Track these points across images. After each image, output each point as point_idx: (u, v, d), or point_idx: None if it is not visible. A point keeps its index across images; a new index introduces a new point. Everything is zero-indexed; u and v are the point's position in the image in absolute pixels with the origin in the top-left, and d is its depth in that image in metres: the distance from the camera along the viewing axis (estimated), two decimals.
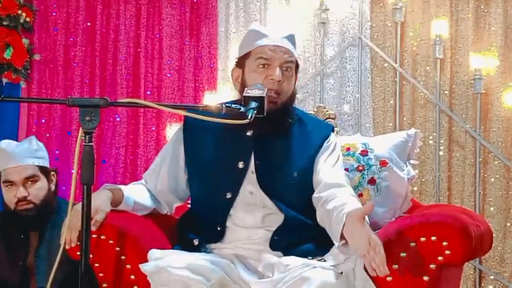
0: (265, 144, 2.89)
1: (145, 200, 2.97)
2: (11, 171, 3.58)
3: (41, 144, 3.70)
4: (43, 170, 3.63)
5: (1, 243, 3.66)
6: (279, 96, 2.87)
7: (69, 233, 2.69)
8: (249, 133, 2.90)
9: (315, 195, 2.85)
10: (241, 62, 2.97)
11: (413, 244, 2.53)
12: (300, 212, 2.82)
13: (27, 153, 3.59)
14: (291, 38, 2.98)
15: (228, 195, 2.85)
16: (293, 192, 2.85)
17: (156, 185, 3.01)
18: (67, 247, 2.70)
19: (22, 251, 3.64)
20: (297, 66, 2.99)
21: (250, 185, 2.86)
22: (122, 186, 2.93)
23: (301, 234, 2.78)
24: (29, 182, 3.58)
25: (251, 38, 2.97)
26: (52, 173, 3.72)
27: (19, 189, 3.56)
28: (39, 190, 3.60)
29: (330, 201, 2.74)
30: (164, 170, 3.02)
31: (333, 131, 3.06)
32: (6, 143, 3.65)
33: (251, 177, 2.87)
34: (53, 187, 3.70)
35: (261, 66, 2.89)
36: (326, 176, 2.86)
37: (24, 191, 3.56)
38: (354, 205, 2.64)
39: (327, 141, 2.96)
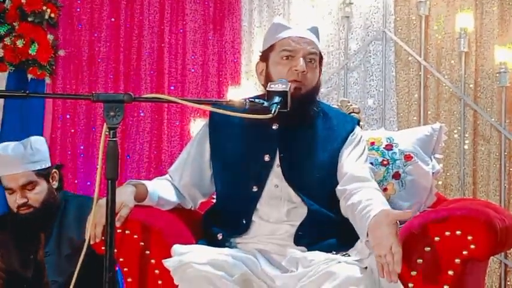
0: (290, 138, 2.89)
1: (170, 195, 2.97)
2: (8, 178, 3.59)
3: (37, 146, 3.64)
4: (41, 173, 3.63)
5: (12, 242, 3.69)
6: (304, 86, 2.87)
7: (93, 228, 2.70)
8: (274, 126, 2.90)
9: (339, 187, 2.85)
10: (265, 56, 2.97)
11: (437, 238, 2.52)
12: (323, 205, 2.82)
13: (23, 160, 3.57)
14: (314, 30, 2.98)
15: (255, 189, 2.85)
16: (317, 186, 2.85)
17: (180, 179, 3.01)
18: (91, 242, 2.71)
19: (32, 247, 3.67)
20: (321, 58, 2.99)
21: (276, 179, 2.86)
22: (146, 182, 2.94)
23: (325, 228, 2.77)
24: (28, 188, 3.59)
25: (274, 31, 2.97)
26: (54, 171, 3.71)
27: (17, 196, 3.58)
28: (38, 194, 3.61)
29: (354, 194, 2.74)
30: (189, 164, 3.02)
31: (358, 124, 3.05)
32: (3, 147, 3.61)
33: (276, 170, 2.87)
34: (55, 184, 3.70)
35: (284, 58, 2.89)
36: (350, 169, 2.86)
37: (23, 197, 3.58)
38: (379, 201, 2.64)
39: (351, 134, 2.95)
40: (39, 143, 3.66)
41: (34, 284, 3.68)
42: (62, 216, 3.62)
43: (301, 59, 2.86)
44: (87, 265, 2.60)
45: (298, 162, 2.87)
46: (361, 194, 2.72)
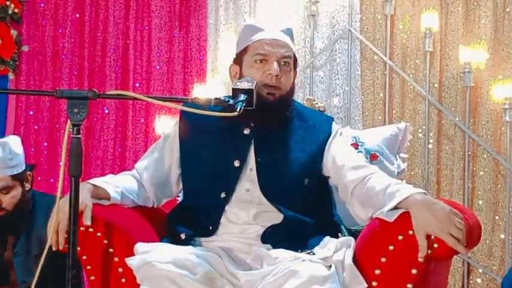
0: (265, 141, 2.86)
1: (134, 194, 2.93)
2: None
3: (15, 150, 3.59)
4: (17, 176, 3.58)
5: None
6: (278, 91, 2.84)
7: (55, 234, 2.67)
8: (246, 131, 2.87)
9: (343, 181, 2.83)
10: (238, 58, 2.94)
11: (401, 237, 2.53)
12: (298, 210, 2.79)
13: (1, 164, 3.52)
14: (288, 32, 2.95)
15: (223, 195, 2.82)
16: (294, 191, 2.82)
17: (148, 178, 2.97)
18: (54, 248, 2.68)
19: None
20: (296, 60, 2.96)
21: (247, 182, 2.83)
22: (109, 180, 2.88)
23: (296, 231, 2.76)
24: (3, 192, 3.55)
25: (247, 33, 2.93)
26: (28, 173, 3.66)
27: None
28: (12, 198, 3.57)
29: (370, 179, 2.75)
30: (157, 164, 2.98)
31: (332, 120, 3.03)
32: None
33: (249, 174, 2.84)
34: (28, 186, 3.66)
35: (258, 61, 2.86)
36: (347, 160, 2.85)
37: None
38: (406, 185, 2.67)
39: (331, 133, 2.93)
40: (17, 147, 3.60)
41: (0, 283, 3.63)
42: (31, 216, 3.59)
43: (275, 62, 2.83)
44: (53, 264, 2.57)
45: (274, 168, 2.84)
46: (379, 178, 2.74)
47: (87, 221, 2.65)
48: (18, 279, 3.57)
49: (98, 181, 2.83)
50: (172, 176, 3.00)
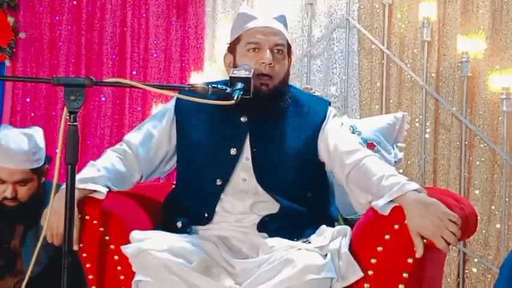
0: (260, 130, 2.86)
1: (121, 182, 2.90)
2: (3, 170, 3.48)
3: (40, 144, 3.56)
4: (37, 170, 3.56)
5: None
6: (272, 79, 2.84)
7: (52, 236, 2.67)
8: (243, 119, 2.86)
9: (337, 165, 2.83)
10: (232, 47, 2.93)
11: (397, 226, 2.53)
12: (294, 199, 2.79)
13: (25, 157, 3.48)
14: (281, 19, 2.94)
15: (218, 182, 2.82)
16: (290, 180, 2.82)
17: (137, 150, 2.93)
18: (49, 241, 2.69)
19: (7, 235, 3.61)
20: (290, 48, 2.96)
21: (243, 172, 2.83)
22: (94, 174, 2.80)
23: (292, 221, 2.76)
24: (21, 184, 3.53)
25: (240, 22, 2.93)
26: (46, 166, 3.65)
27: (8, 189, 3.49)
28: (29, 190, 3.54)
29: (365, 163, 2.75)
30: (153, 142, 2.96)
31: (329, 105, 3.01)
32: (6, 138, 3.50)
33: (245, 163, 2.84)
34: (43, 179, 3.64)
35: (251, 50, 2.85)
36: (340, 144, 2.84)
37: (13, 191, 3.51)
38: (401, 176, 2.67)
39: (326, 118, 2.92)
40: (40, 140, 3.57)
41: (5, 271, 3.62)
42: (42, 207, 3.58)
43: (268, 51, 2.83)
44: (59, 255, 2.56)
45: (270, 157, 2.83)
46: (373, 163, 2.74)
47: (75, 246, 2.64)
48: (24, 269, 3.55)
49: (83, 183, 2.73)
50: (160, 154, 2.97)
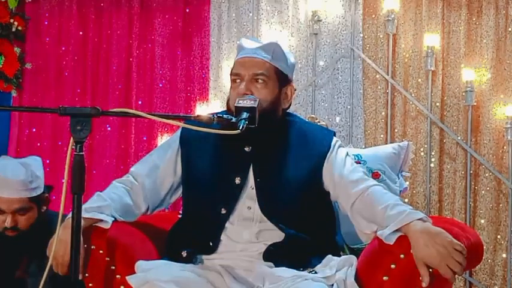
0: (264, 160, 2.86)
1: (127, 214, 2.91)
2: (1, 200, 3.50)
3: (37, 173, 3.56)
4: (35, 198, 3.56)
5: None
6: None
7: (57, 265, 2.67)
8: (247, 148, 2.87)
9: (342, 195, 2.84)
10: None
11: (402, 255, 2.53)
12: (299, 228, 2.79)
13: (21, 186, 3.48)
14: (267, 47, 2.91)
15: (223, 211, 2.82)
16: (294, 209, 2.81)
17: (143, 183, 2.94)
18: (55, 270, 2.69)
19: (11, 266, 3.60)
20: (282, 74, 2.91)
21: (248, 200, 2.83)
22: (101, 204, 2.81)
23: (298, 249, 2.76)
24: (20, 213, 3.53)
25: (237, 53, 2.98)
26: (46, 195, 3.65)
27: (8, 219, 3.50)
28: (28, 220, 3.54)
29: (369, 193, 2.76)
30: (155, 170, 2.97)
31: (334, 135, 3.01)
32: (3, 168, 3.51)
33: (250, 192, 2.83)
34: (44, 208, 3.64)
35: (234, 81, 2.89)
36: (344, 174, 2.85)
37: (13, 221, 3.51)
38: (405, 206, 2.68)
39: (331, 148, 2.92)
40: (38, 169, 3.57)
41: None
42: (46, 237, 3.57)
43: (243, 83, 2.83)
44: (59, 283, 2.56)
45: (273, 187, 2.83)
46: (378, 193, 2.75)
47: (80, 276, 2.63)
48: None
49: (89, 213, 2.73)
50: (166, 185, 2.98)
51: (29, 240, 3.53)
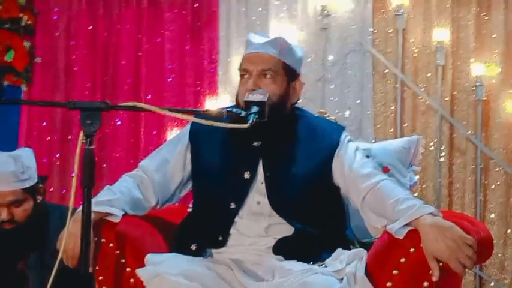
0: (273, 155, 2.86)
1: (137, 207, 2.91)
2: None
3: (28, 164, 3.53)
4: (29, 189, 3.57)
5: None
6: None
7: (67, 258, 2.67)
8: (256, 143, 2.87)
9: (352, 190, 2.85)
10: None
11: (412, 249, 2.53)
12: (309, 222, 2.79)
13: (13, 178, 3.46)
14: (274, 42, 2.92)
15: (233, 205, 2.83)
16: (304, 203, 2.82)
17: (153, 177, 2.95)
18: (66, 263, 2.69)
19: (11, 259, 3.61)
20: (290, 69, 2.93)
21: (258, 195, 2.84)
22: (111, 197, 2.81)
23: (308, 243, 2.76)
24: (15, 205, 3.53)
25: (245, 48, 2.98)
26: (40, 185, 3.65)
27: (3, 212, 3.50)
28: (24, 211, 3.54)
29: (380, 188, 2.77)
30: (164, 164, 2.98)
31: (344, 130, 3.01)
32: None
33: (260, 187, 2.84)
34: (40, 199, 3.64)
35: (243, 77, 2.90)
36: (354, 169, 2.85)
37: (9, 214, 3.51)
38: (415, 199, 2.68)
39: (340, 143, 2.91)
40: (29, 160, 3.57)
41: None
42: (44, 229, 3.58)
43: (252, 79, 2.84)
44: (66, 278, 2.57)
45: (282, 182, 2.83)
46: (388, 188, 2.75)
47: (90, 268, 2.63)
48: None
49: (99, 206, 2.74)
50: (176, 179, 2.99)
51: (26, 232, 3.54)
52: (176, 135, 3.11)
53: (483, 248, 2.66)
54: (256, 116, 2.59)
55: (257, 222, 2.80)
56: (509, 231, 5.21)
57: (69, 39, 5.78)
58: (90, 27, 5.79)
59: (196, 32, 5.76)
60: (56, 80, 5.75)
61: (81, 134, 2.42)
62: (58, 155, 5.64)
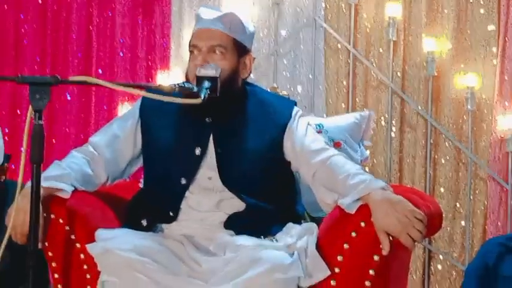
0: (224, 131, 2.86)
1: (86, 183, 2.88)
2: None
3: None
4: None
5: None
6: None
7: (16, 234, 2.64)
8: (207, 119, 2.86)
9: (303, 165, 2.85)
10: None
11: (363, 224, 2.55)
12: (261, 198, 2.80)
13: None
14: (224, 18, 2.88)
15: (183, 181, 2.83)
16: (255, 179, 2.83)
17: (103, 153, 2.92)
18: (14, 239, 2.66)
19: None
20: (241, 45, 2.91)
21: (209, 171, 2.83)
22: (58, 173, 2.77)
23: (259, 218, 2.77)
24: None
25: (195, 23, 2.96)
26: (6, 165, 3.60)
27: None
28: None
29: (331, 163, 2.77)
30: (114, 140, 2.95)
31: (295, 105, 3.02)
32: None
33: (211, 163, 2.84)
34: (3, 178, 3.60)
35: (192, 53, 2.88)
36: (305, 144, 2.86)
37: None
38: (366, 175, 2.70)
39: (291, 119, 2.92)
40: None
41: None
42: (5, 206, 3.54)
43: (201, 55, 2.83)
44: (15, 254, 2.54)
45: (233, 157, 2.84)
46: (339, 163, 2.76)
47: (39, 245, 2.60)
48: None
49: (48, 181, 2.69)
50: (126, 155, 2.97)
51: None
52: (128, 111, 3.09)
53: (432, 222, 2.69)
54: (209, 91, 2.59)
55: (208, 198, 2.80)
56: (458, 205, 5.28)
57: (18, 12, 5.69)
58: (40, 1, 5.70)
59: (148, 5, 5.71)
60: (5, 54, 5.67)
61: (30, 109, 2.39)
62: (7, 130, 5.57)
